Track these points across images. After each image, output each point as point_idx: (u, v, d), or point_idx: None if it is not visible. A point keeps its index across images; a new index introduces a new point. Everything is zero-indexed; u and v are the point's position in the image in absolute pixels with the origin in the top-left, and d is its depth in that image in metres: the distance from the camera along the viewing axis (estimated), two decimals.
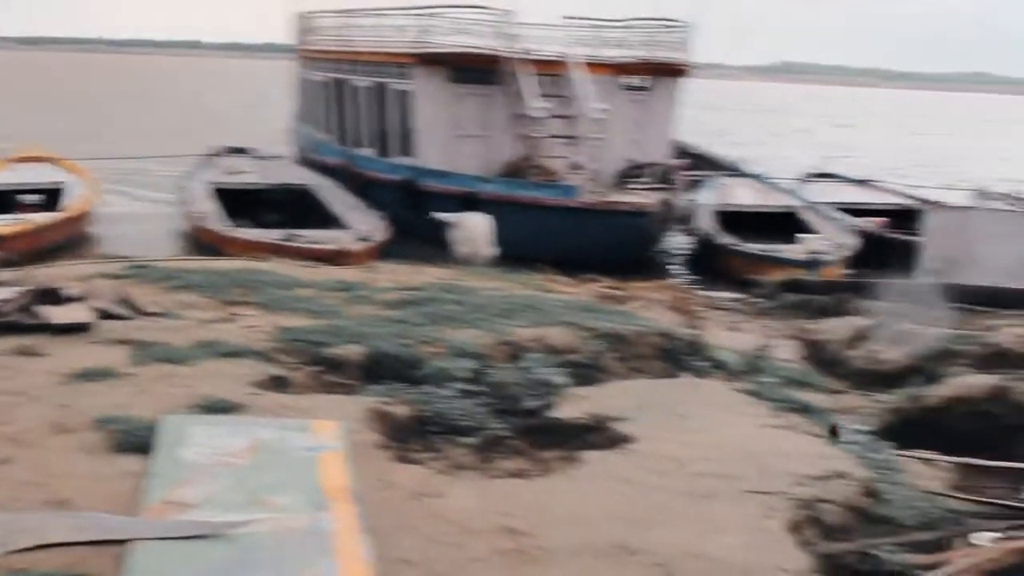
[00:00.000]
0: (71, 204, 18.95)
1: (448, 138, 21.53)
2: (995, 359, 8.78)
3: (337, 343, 7.12)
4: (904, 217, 21.15)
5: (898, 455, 6.34)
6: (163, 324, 7.63)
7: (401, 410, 5.98)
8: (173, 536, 4.10)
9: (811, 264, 16.78)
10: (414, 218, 19.12)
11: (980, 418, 7.37)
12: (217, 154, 24.85)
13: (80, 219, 18.78)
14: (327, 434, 5.35)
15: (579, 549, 4.47)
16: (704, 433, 6.03)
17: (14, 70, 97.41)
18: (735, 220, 20.65)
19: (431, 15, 22.25)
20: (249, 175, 22.19)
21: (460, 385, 6.56)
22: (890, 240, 19.67)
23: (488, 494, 5.01)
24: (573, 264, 13.67)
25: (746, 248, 18.62)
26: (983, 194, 24.31)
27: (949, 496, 5.65)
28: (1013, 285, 12.72)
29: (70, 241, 17.63)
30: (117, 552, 4.00)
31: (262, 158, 24.71)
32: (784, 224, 20.62)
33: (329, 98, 26.55)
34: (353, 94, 24.74)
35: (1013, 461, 6.68)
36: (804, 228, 20.22)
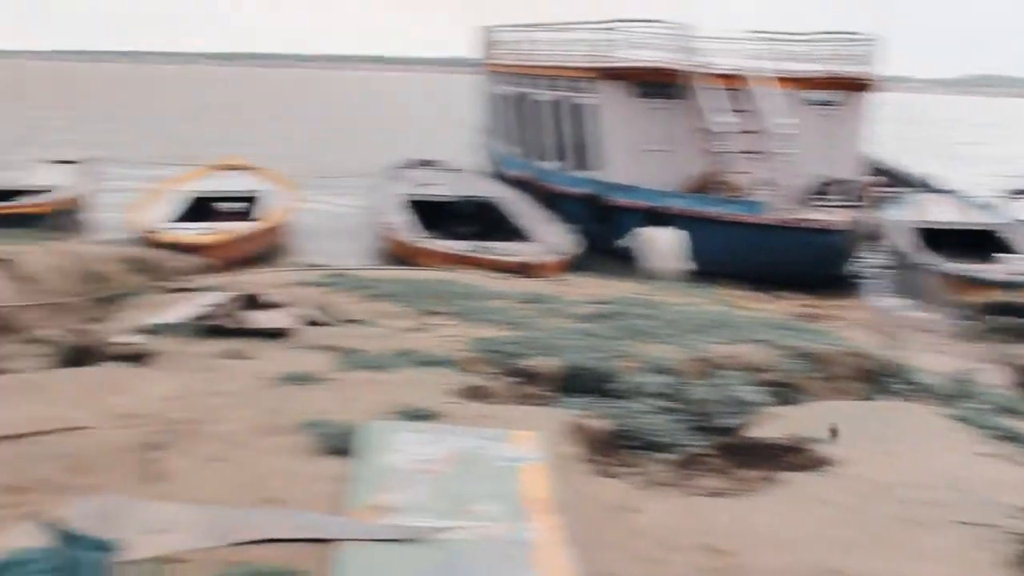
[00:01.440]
0: (269, 213, 19.54)
1: (633, 152, 21.46)
2: None
3: (532, 355, 7.15)
4: None
5: None
6: (361, 332, 7.82)
7: (598, 424, 5.96)
8: (382, 539, 4.17)
9: (1013, 285, 16.09)
10: (600, 232, 19.12)
11: None
12: (406, 166, 25.43)
13: (278, 228, 19.33)
14: (526, 445, 5.36)
15: (784, 572, 4.36)
16: (909, 458, 5.82)
17: (205, 84, 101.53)
18: (931, 238, 19.97)
19: (613, 29, 22.29)
20: (440, 187, 22.56)
21: (655, 400, 6.50)
22: None
23: (688, 511, 4.93)
24: (762, 281, 13.46)
25: (945, 267, 17.95)
26: None
27: None
28: None
29: (268, 249, 18.17)
30: (326, 551, 4.07)
31: (450, 171, 25.17)
32: (982, 243, 19.84)
33: (514, 112, 26.84)
34: (538, 108, 24.93)
35: None
36: (1004, 247, 19.41)
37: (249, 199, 21.00)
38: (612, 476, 5.34)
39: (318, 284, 9.96)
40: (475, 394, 6.44)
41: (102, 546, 3.89)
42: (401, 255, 17.17)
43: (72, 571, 3.67)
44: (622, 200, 20.17)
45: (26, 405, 5.87)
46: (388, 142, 39.17)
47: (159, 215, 18.78)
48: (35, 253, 10.64)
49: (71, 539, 3.93)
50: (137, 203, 19.58)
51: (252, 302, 8.35)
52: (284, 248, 19.20)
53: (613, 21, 22.44)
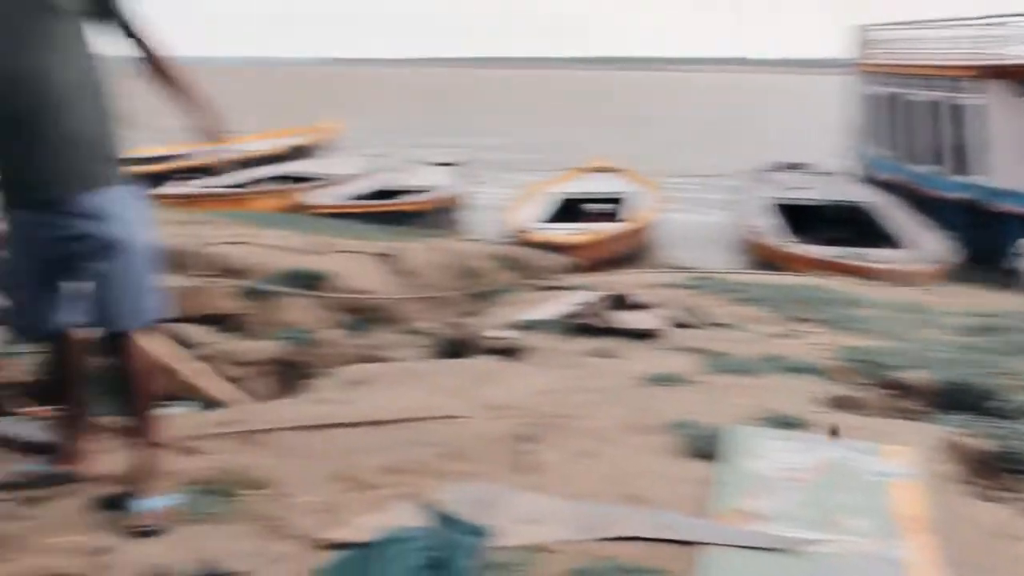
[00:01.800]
0: (636, 215, 19.82)
1: (1021, 156, 20.13)
2: None
3: (903, 366, 6.85)
4: None
5: None
6: (728, 335, 7.76)
7: (978, 444, 5.62)
8: (747, 545, 4.13)
9: None
10: (980, 240, 18.08)
11: None
12: (772, 169, 25.09)
13: (644, 230, 19.59)
14: (898, 460, 5.15)
15: None
16: None
17: (559, 89, 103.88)
18: None
19: (1000, 25, 21.01)
20: (809, 191, 22.12)
21: None
22: None
23: None
24: None
25: None
26: None
27: None
28: None
29: (634, 250, 18.44)
30: (690, 553, 4.08)
31: (817, 174, 24.61)
32: None
33: (887, 113, 25.86)
34: (913, 109, 23.90)
35: None
36: None
37: (616, 200, 21.39)
38: (993, 500, 5.03)
39: (684, 286, 10.00)
40: (843, 404, 6.24)
41: (476, 531, 4.07)
42: (767, 259, 16.93)
43: (449, 551, 3.86)
44: (1008, 206, 18.94)
45: (406, 392, 6.24)
46: (750, 144, 38.74)
47: (531, 215, 19.48)
48: (416, 249, 11.27)
49: (448, 521, 4.14)
50: (512, 204, 20.39)
51: (620, 302, 8.48)
52: (649, 249, 19.41)
53: (1003, 15, 21.16)
